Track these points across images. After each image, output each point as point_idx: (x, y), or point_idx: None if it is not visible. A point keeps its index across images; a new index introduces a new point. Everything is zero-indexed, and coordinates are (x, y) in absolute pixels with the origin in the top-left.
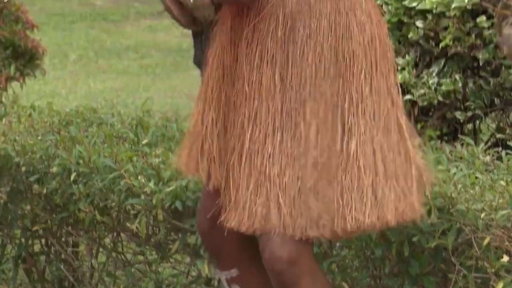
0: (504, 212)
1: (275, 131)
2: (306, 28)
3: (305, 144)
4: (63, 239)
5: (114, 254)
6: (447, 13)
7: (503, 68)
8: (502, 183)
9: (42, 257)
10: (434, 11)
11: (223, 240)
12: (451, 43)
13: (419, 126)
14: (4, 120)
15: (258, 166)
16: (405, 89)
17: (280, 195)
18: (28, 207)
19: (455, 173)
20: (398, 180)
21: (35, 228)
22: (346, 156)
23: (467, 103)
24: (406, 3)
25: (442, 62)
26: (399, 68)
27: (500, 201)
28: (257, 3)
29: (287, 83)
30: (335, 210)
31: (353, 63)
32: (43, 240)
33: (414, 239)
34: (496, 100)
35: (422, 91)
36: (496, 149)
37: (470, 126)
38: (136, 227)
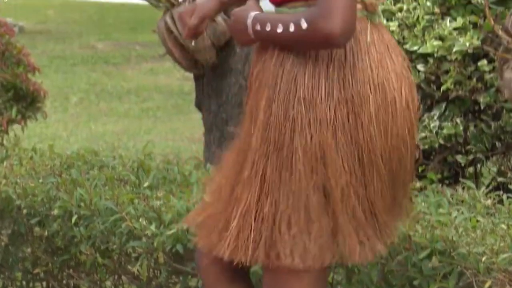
0: (505, 255)
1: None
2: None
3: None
4: (64, 281)
5: None
6: (448, 57)
7: (504, 111)
8: (503, 226)
9: None
10: (435, 54)
11: (220, 274)
12: (452, 86)
13: (420, 169)
14: (5, 162)
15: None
16: None
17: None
18: (29, 250)
19: (456, 217)
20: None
21: (36, 270)
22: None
23: (468, 147)
24: (407, 46)
25: (443, 105)
26: None
27: (501, 244)
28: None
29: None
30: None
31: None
32: (44, 283)
33: (415, 282)
34: (498, 144)
35: (423, 134)
36: (497, 192)
37: (471, 169)
38: (137, 270)
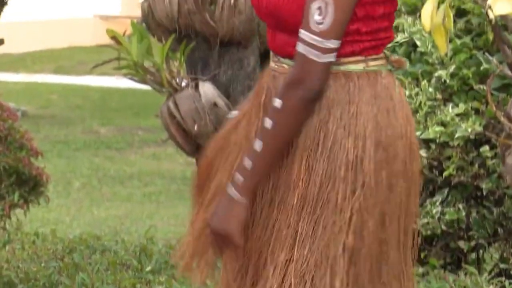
0: None
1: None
2: (344, 115)
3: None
4: None
5: None
6: (450, 143)
7: (506, 197)
8: None
9: None
10: (437, 140)
11: None
12: (454, 172)
13: (422, 255)
14: (7, 247)
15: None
16: None
17: None
18: None
19: None
20: None
21: None
22: None
23: (471, 233)
24: None
25: (446, 191)
26: None
27: None
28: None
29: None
30: None
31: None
32: None
33: None
34: (500, 230)
35: (425, 220)
36: (499, 279)
37: (473, 255)
38: None
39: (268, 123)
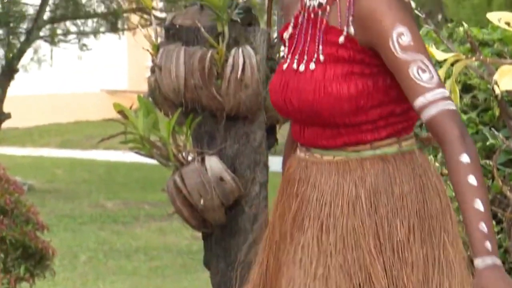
0: None
1: None
2: (390, 198)
3: None
4: None
5: None
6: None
7: None
8: None
9: None
10: None
11: None
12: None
13: None
14: None
15: None
16: None
17: None
18: None
19: None
20: None
21: None
22: None
23: None
24: None
25: None
26: None
27: None
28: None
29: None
30: None
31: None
32: None
33: None
34: None
35: None
36: None
37: None
38: None
39: (472, 179)
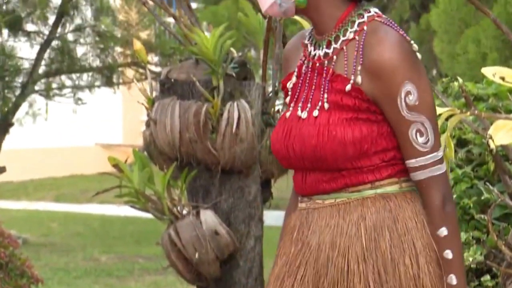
0: None
1: None
2: (393, 233)
3: None
4: None
5: None
6: None
7: None
8: None
9: None
10: None
11: None
12: None
13: None
14: None
15: None
16: None
17: None
18: None
19: None
20: None
21: None
22: None
23: None
24: None
25: None
26: None
27: None
28: None
29: None
30: None
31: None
32: None
33: None
34: None
35: None
36: None
37: None
38: None
39: (447, 253)
